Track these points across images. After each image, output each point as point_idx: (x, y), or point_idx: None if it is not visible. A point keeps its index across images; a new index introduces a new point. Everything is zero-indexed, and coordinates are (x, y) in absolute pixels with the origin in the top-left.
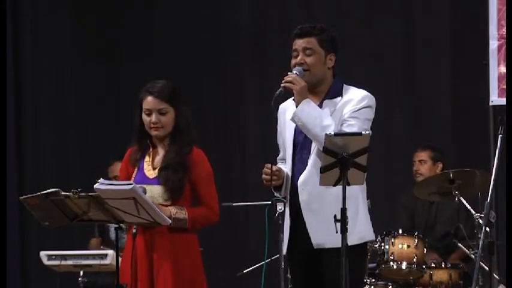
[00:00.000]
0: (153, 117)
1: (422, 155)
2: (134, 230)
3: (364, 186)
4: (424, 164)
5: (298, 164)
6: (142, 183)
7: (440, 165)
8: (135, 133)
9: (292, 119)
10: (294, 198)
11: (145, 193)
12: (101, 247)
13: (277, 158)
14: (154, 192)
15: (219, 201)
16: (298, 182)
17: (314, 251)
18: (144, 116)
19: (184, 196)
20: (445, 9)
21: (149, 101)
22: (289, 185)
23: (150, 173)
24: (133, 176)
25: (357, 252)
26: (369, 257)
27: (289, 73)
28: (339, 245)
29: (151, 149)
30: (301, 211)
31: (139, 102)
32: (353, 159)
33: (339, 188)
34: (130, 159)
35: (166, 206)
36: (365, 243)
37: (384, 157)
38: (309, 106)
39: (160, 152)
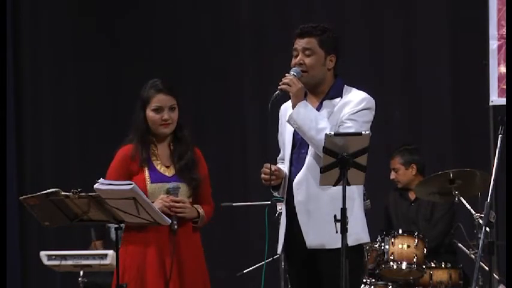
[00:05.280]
0: (165, 114)
1: (393, 163)
2: (175, 226)
3: (361, 187)
4: (398, 171)
5: (296, 164)
6: (163, 182)
7: (414, 167)
8: (139, 131)
9: (288, 122)
10: (290, 198)
11: (179, 190)
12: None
13: (277, 158)
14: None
15: (219, 201)
16: (294, 182)
17: (309, 251)
18: (152, 114)
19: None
20: (445, 9)
21: (160, 98)
22: (287, 184)
23: (167, 171)
24: (147, 175)
25: (352, 254)
26: (368, 257)
27: (286, 74)
28: (334, 246)
29: (154, 148)
30: (296, 211)
31: (145, 100)
32: (353, 159)
33: (334, 188)
34: (134, 158)
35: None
36: (360, 245)
37: (384, 157)
38: (305, 109)
39: (165, 150)
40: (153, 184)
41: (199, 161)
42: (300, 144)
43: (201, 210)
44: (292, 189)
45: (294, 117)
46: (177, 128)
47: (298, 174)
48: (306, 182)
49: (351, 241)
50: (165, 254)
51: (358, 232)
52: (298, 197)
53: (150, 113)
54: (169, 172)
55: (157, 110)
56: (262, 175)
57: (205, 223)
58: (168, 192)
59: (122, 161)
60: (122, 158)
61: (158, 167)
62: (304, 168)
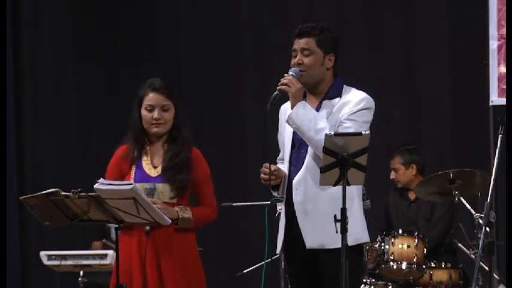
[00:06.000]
0: (156, 113)
1: (393, 163)
2: (147, 228)
3: (360, 187)
4: (398, 171)
5: (295, 164)
6: (144, 182)
7: (414, 167)
8: (133, 130)
9: (287, 122)
10: (290, 198)
11: (155, 191)
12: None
13: (277, 158)
14: (159, 191)
15: (219, 201)
16: (293, 182)
17: (309, 251)
18: (144, 113)
19: (186, 194)
20: (445, 9)
21: (153, 97)
22: (286, 184)
23: (152, 171)
24: (133, 174)
25: (351, 254)
26: (368, 257)
27: (285, 75)
28: (333, 246)
29: (147, 147)
30: (295, 211)
31: (140, 99)
32: (353, 159)
33: (333, 189)
34: (126, 157)
35: (172, 204)
36: (360, 245)
37: (384, 157)
38: (304, 109)
39: (158, 150)
40: (136, 184)
41: (197, 162)
42: (299, 144)
43: (184, 214)
44: (291, 189)
45: (293, 117)
46: (173, 128)
47: (297, 175)
48: (305, 182)
49: (351, 241)
50: (143, 254)
51: (358, 232)
52: (298, 197)
53: (143, 112)
54: (155, 172)
55: (149, 109)
56: (262, 175)
57: (196, 225)
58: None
59: (116, 161)
60: (116, 158)
61: (145, 167)
62: (303, 168)
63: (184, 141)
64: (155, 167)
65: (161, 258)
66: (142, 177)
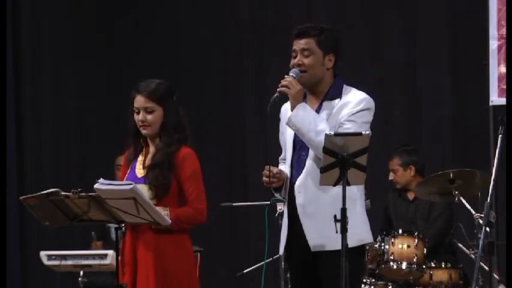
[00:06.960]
0: (140, 116)
1: (392, 164)
2: (123, 229)
3: (362, 188)
4: (396, 173)
5: (296, 166)
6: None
7: (412, 168)
8: (130, 133)
9: (287, 124)
10: (292, 200)
11: None
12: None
13: (279, 158)
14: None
15: (219, 201)
16: (295, 185)
17: (311, 252)
18: (134, 115)
19: (170, 195)
20: (445, 9)
21: (137, 100)
22: (288, 186)
23: (140, 172)
24: (126, 175)
25: (354, 254)
26: (368, 257)
27: (285, 76)
28: (336, 247)
29: (144, 149)
30: (298, 214)
31: (132, 102)
32: (353, 159)
33: (335, 190)
34: (126, 160)
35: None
36: (363, 246)
37: (383, 158)
38: (304, 111)
39: (152, 151)
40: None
41: (183, 161)
42: (300, 146)
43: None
44: (293, 191)
45: (293, 119)
46: (161, 129)
47: (298, 178)
48: (306, 185)
49: (354, 242)
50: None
51: (361, 232)
52: (299, 199)
53: (134, 115)
54: (142, 173)
55: (136, 111)
56: (264, 178)
57: (178, 226)
58: None
59: (123, 162)
60: (123, 159)
61: (137, 168)
62: (304, 171)
63: (170, 141)
64: (144, 168)
65: (138, 258)
66: (131, 178)
